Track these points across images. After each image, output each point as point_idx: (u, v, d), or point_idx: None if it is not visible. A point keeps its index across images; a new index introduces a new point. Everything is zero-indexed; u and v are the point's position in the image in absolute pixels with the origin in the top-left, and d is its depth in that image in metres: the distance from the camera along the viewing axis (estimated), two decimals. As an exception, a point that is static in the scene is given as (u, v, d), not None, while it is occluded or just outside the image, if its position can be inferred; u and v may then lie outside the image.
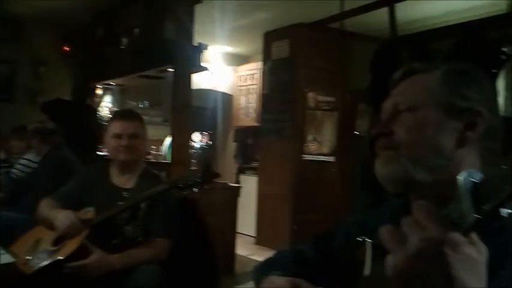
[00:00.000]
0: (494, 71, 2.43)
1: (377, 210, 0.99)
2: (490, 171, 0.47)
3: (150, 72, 4.40)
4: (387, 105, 0.89)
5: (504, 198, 0.44)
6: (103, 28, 5.07)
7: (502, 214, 0.46)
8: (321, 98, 5.32)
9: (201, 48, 4.02)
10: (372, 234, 0.87)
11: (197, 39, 4.12)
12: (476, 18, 3.16)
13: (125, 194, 2.01)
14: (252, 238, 5.54)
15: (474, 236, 0.50)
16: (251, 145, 6.44)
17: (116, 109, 5.18)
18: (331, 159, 5.37)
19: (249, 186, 5.65)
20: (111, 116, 3.00)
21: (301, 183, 5.13)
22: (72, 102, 4.78)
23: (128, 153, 2.03)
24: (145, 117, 4.72)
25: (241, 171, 6.33)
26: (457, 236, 0.48)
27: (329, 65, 5.21)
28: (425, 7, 4.23)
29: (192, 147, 4.81)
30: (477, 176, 0.49)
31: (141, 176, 2.09)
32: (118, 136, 2.04)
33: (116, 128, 2.06)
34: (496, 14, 3.23)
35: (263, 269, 0.97)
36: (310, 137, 5.32)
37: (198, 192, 1.85)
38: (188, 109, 3.89)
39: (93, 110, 4.91)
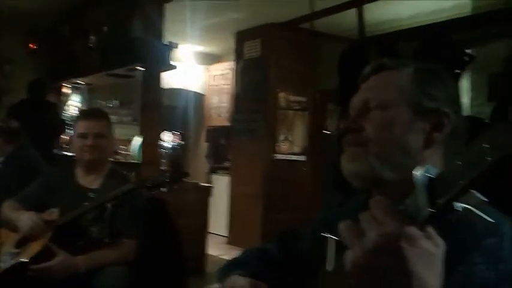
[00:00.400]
0: (458, 71, 2.50)
1: (341, 207, 1.00)
2: (447, 167, 0.48)
3: (119, 71, 4.33)
4: (356, 100, 0.88)
5: (457, 193, 0.45)
6: (70, 26, 4.96)
7: (457, 208, 0.47)
8: (292, 97, 5.36)
9: (171, 46, 3.98)
10: (335, 230, 0.88)
11: (167, 38, 4.08)
12: (442, 20, 3.24)
13: (90, 194, 1.98)
14: (224, 238, 5.52)
15: (430, 230, 0.50)
16: (223, 145, 6.42)
17: (84, 108, 5.08)
18: (302, 158, 5.41)
19: (221, 186, 5.64)
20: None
21: (273, 183, 5.15)
22: (33, 99, 4.63)
23: (93, 153, 1.99)
24: (114, 117, 4.66)
25: (213, 171, 6.30)
26: (413, 230, 0.48)
27: (300, 65, 5.25)
28: (393, 9, 4.31)
29: (162, 147, 4.75)
30: (433, 171, 0.49)
31: (107, 176, 2.05)
32: (83, 136, 2.00)
33: (81, 127, 2.02)
34: (460, 16, 3.32)
35: (227, 269, 0.97)
36: (281, 137, 5.35)
37: (169, 193, 1.83)
38: (158, 108, 3.85)
39: (54, 106, 4.78)
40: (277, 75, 5.18)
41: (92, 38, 4.45)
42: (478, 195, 0.46)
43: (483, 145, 0.41)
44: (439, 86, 0.84)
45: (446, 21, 3.07)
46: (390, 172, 0.80)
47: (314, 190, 5.09)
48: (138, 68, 3.99)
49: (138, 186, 1.86)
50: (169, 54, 4.04)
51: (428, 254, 0.49)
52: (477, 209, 0.47)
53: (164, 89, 4.41)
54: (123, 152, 4.58)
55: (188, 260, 3.40)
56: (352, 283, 0.54)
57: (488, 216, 0.71)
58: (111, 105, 4.94)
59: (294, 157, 5.37)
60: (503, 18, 2.84)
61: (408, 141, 0.80)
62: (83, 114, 2.21)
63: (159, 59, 3.88)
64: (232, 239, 5.39)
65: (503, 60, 2.48)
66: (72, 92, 5.48)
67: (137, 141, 4.12)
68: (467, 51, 2.80)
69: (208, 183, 5.69)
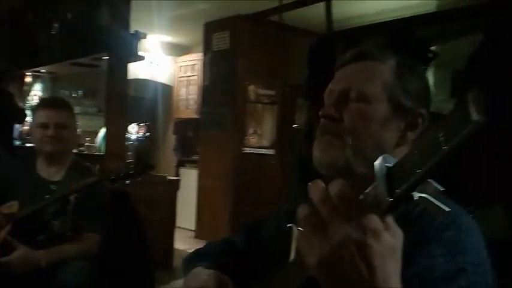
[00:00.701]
0: (423, 67, 2.56)
1: (306, 198, 1.00)
2: (405, 157, 0.48)
3: (84, 60, 4.22)
4: (335, 87, 0.85)
5: (414, 182, 0.45)
6: (33, 12, 4.78)
7: (415, 198, 0.47)
8: (261, 91, 5.36)
9: (138, 36, 3.90)
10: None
11: (134, 28, 3.99)
12: (407, 16, 3.31)
13: (52, 186, 1.93)
14: (192, 232, 5.49)
15: (389, 219, 0.50)
16: (191, 138, 6.37)
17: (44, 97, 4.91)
18: (271, 152, 5.43)
19: (189, 179, 5.59)
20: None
21: (242, 176, 5.15)
22: None
23: (55, 144, 1.93)
24: (79, 107, 4.53)
25: (181, 164, 6.24)
26: (377, 224, 0.48)
27: (269, 58, 5.25)
28: (362, 4, 4.37)
29: (128, 138, 4.67)
30: (391, 161, 0.49)
31: (70, 168, 2.00)
32: (44, 126, 1.93)
33: (41, 117, 1.95)
34: (425, 13, 3.39)
35: (192, 260, 0.96)
36: (250, 130, 5.35)
37: (135, 186, 1.80)
38: (124, 99, 3.77)
39: (12, 96, 4.60)
40: (246, 68, 5.16)
41: (56, 25, 4.31)
42: (435, 184, 0.47)
43: (439, 135, 0.41)
44: (415, 83, 0.84)
45: (411, 17, 3.13)
46: (362, 166, 0.79)
47: (282, 183, 5.12)
48: (104, 57, 3.89)
49: (101, 179, 1.82)
50: (136, 44, 3.96)
51: (390, 247, 0.49)
52: (434, 198, 0.47)
53: (131, 80, 4.32)
54: (87, 143, 4.47)
55: (155, 254, 3.36)
56: (316, 276, 0.53)
57: (450, 207, 0.74)
58: (75, 95, 4.82)
59: (262, 150, 5.38)
60: (467, 16, 2.92)
61: (384, 138, 0.80)
62: (43, 103, 2.13)
63: (126, 48, 3.80)
64: (200, 233, 5.37)
65: (465, 57, 2.55)
66: (35, 81, 5.30)
67: (103, 132, 4.04)
68: (432, 47, 2.87)
69: (176, 176, 5.64)
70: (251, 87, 5.27)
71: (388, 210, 0.48)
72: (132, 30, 3.95)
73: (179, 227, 5.61)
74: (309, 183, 0.53)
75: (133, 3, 3.90)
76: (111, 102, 3.82)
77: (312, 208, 0.52)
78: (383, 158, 0.50)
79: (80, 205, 1.87)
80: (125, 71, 3.84)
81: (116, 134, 3.81)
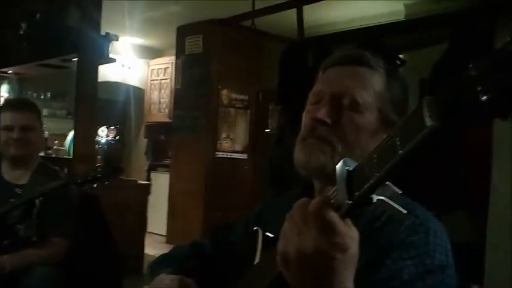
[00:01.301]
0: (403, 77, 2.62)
1: (274, 201, 1.01)
2: (363, 161, 0.50)
3: (53, 61, 4.11)
4: (327, 89, 0.83)
5: (372, 184, 0.46)
6: (0, 11, 4.64)
7: (374, 200, 0.49)
8: (234, 95, 5.36)
9: (109, 38, 3.84)
10: (266, 224, 0.89)
11: (105, 29, 3.93)
12: (377, 24, 3.39)
13: (17, 190, 1.89)
14: (163, 237, 5.43)
15: (349, 221, 0.52)
16: (163, 141, 6.30)
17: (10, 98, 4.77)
18: (244, 156, 5.43)
19: (161, 183, 5.53)
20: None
21: (214, 181, 5.13)
22: None
23: (20, 147, 1.88)
24: (47, 110, 4.41)
25: (152, 168, 6.17)
26: (346, 240, 0.52)
27: (242, 63, 5.26)
28: (334, 12, 4.45)
29: (98, 142, 4.58)
30: (351, 164, 0.51)
31: (36, 171, 1.95)
32: (9, 128, 1.89)
33: (6, 119, 1.90)
34: (394, 21, 3.48)
35: (158, 265, 0.95)
36: (223, 134, 5.34)
37: (105, 190, 1.76)
38: (94, 102, 3.70)
39: None
40: (219, 72, 5.15)
41: (23, 25, 4.19)
42: (393, 187, 0.48)
43: (396, 139, 0.43)
44: (400, 95, 0.83)
45: (380, 25, 3.21)
46: None
47: (255, 188, 5.12)
48: (74, 59, 3.81)
49: (68, 182, 1.78)
50: (107, 46, 3.89)
51: (352, 256, 0.53)
52: (393, 200, 0.49)
53: (101, 82, 4.24)
54: (56, 146, 4.37)
55: (126, 259, 3.31)
56: (282, 273, 0.55)
57: (415, 211, 0.76)
58: (44, 98, 4.70)
59: (235, 155, 5.38)
60: (432, 25, 3.01)
61: (370, 149, 0.79)
62: (8, 104, 2.08)
63: (96, 50, 3.73)
64: (172, 238, 5.31)
65: (432, 65, 2.63)
66: (1, 82, 5.15)
67: (72, 135, 3.95)
68: (400, 55, 2.94)
69: (147, 180, 5.57)
70: (224, 92, 5.27)
71: (349, 212, 0.50)
72: (103, 31, 3.89)
73: (150, 232, 5.53)
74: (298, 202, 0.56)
75: (104, 5, 3.84)
76: (80, 105, 3.74)
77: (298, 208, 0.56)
78: (344, 161, 0.51)
79: (46, 209, 1.83)
80: (95, 73, 3.77)
81: (85, 137, 3.73)
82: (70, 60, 3.87)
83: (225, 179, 5.20)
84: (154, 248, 4.74)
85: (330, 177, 0.77)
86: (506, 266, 1.95)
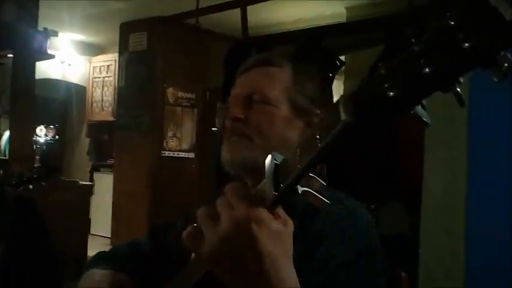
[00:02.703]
0: (331, 75, 2.72)
1: (213, 198, 1.02)
2: (288, 155, 0.52)
3: (-15, 57, 3.89)
4: (239, 92, 0.91)
5: (296, 177, 0.49)
6: None
7: (299, 191, 0.51)
8: (180, 94, 5.31)
9: (47, 34, 3.69)
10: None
11: (44, 25, 3.77)
12: (317, 26, 3.48)
13: None
14: (108, 239, 5.28)
15: (279, 211, 0.54)
16: (106, 141, 6.13)
17: None
18: (191, 155, 5.40)
19: (104, 184, 5.39)
20: None
21: (160, 181, 5.05)
22: None
23: None
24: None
25: (95, 168, 5.98)
26: (261, 213, 0.51)
27: (188, 61, 5.22)
28: (278, 13, 4.53)
29: (36, 142, 4.38)
30: (279, 158, 0.53)
31: (-35, 172, 1.84)
32: None
33: None
34: (335, 23, 3.59)
35: (94, 263, 0.93)
36: (169, 133, 5.27)
37: (44, 191, 1.69)
38: (31, 100, 3.54)
39: None
40: (164, 70, 5.09)
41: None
42: (319, 179, 0.51)
43: (316, 133, 0.45)
44: (311, 86, 0.92)
45: (321, 27, 3.30)
46: None
47: (203, 187, 5.10)
48: (9, 55, 3.63)
49: (1, 184, 1.69)
50: (46, 42, 3.74)
51: (277, 233, 0.52)
52: (319, 191, 0.51)
53: (39, 80, 4.06)
54: (-11, 147, 4.13)
55: (67, 262, 3.20)
56: (209, 268, 0.55)
57: (343, 201, 0.81)
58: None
59: (182, 154, 5.33)
60: (372, 27, 3.14)
61: (287, 136, 0.85)
62: None
63: (33, 46, 3.57)
64: (116, 240, 5.17)
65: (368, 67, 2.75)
66: None
67: (7, 135, 3.75)
68: (340, 57, 3.05)
69: (89, 181, 5.40)
70: (170, 90, 5.20)
71: (275, 203, 0.52)
72: (41, 27, 3.73)
73: (94, 234, 5.37)
74: (227, 186, 0.55)
75: (42, -1, 3.69)
76: (16, 103, 3.57)
77: (209, 207, 0.54)
78: (272, 155, 0.53)
79: (-23, 212, 1.73)
80: (32, 70, 3.61)
81: (22, 137, 3.56)
82: (5, 56, 3.69)
83: (171, 179, 5.14)
84: (97, 250, 4.61)
85: (254, 171, 0.84)
86: (440, 257, 2.07)
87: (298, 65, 0.94)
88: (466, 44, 0.35)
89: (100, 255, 0.99)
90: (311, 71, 0.97)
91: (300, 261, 0.64)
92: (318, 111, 0.88)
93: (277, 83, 0.89)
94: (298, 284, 0.54)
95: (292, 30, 3.48)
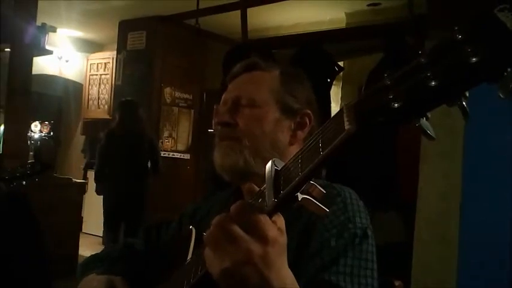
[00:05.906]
0: (329, 80, 2.72)
1: (209, 200, 1.02)
2: (290, 161, 0.52)
3: (-17, 51, 3.86)
4: (228, 96, 0.91)
5: (296, 184, 0.48)
6: None
7: (299, 198, 0.51)
8: (178, 94, 5.29)
9: (45, 29, 3.67)
10: (200, 222, 0.90)
11: (42, 20, 3.75)
12: (319, 31, 3.48)
13: None
14: (100, 238, 5.25)
15: (276, 218, 0.53)
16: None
17: None
18: (186, 156, 5.38)
19: (98, 182, 5.34)
20: None
21: (155, 180, 5.03)
22: None
23: None
24: (-27, 102, 4.11)
25: (89, 166, 5.94)
26: (274, 232, 0.52)
27: (186, 62, 5.21)
28: (278, 16, 4.53)
29: (31, 138, 4.35)
30: (280, 165, 0.53)
31: (-42, 167, 1.82)
32: None
33: None
34: (335, 29, 3.60)
35: (88, 265, 0.92)
36: (165, 133, 5.25)
37: (37, 188, 1.68)
38: (27, 95, 3.51)
39: None
40: (162, 70, 5.07)
41: (-51, 11, 3.90)
42: (318, 187, 0.51)
43: (318, 141, 0.45)
44: (300, 88, 0.92)
45: (321, 32, 3.31)
46: (261, 165, 0.82)
47: (197, 189, 5.08)
48: (6, 49, 3.60)
49: (-6, 179, 1.68)
50: (44, 38, 3.72)
51: (283, 247, 0.53)
52: (317, 198, 0.51)
53: (36, 75, 4.04)
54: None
55: (58, 260, 3.18)
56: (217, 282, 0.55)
57: (332, 187, 0.81)
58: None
59: (177, 155, 5.31)
60: (372, 34, 3.15)
61: (277, 137, 0.86)
62: None
63: (31, 41, 3.55)
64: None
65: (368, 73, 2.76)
66: None
67: (1, 130, 3.73)
68: (339, 62, 3.05)
69: (84, 179, 5.37)
70: (167, 90, 5.19)
71: (275, 210, 0.51)
72: (39, 22, 3.70)
73: (86, 233, 5.34)
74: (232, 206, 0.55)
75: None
76: (12, 98, 3.54)
77: (221, 221, 0.54)
78: (272, 161, 0.53)
79: (-31, 208, 1.72)
80: (28, 65, 3.58)
81: (16, 133, 3.53)
82: (2, 50, 3.66)
83: (166, 179, 5.11)
84: (89, 249, 4.58)
85: (244, 174, 0.84)
86: (433, 266, 2.07)
87: (286, 68, 0.95)
88: (474, 59, 0.35)
89: (94, 257, 0.98)
90: (300, 73, 0.96)
91: (295, 250, 0.66)
92: (309, 112, 0.89)
93: (265, 85, 0.90)
94: (295, 283, 0.55)
95: (291, 34, 3.49)
